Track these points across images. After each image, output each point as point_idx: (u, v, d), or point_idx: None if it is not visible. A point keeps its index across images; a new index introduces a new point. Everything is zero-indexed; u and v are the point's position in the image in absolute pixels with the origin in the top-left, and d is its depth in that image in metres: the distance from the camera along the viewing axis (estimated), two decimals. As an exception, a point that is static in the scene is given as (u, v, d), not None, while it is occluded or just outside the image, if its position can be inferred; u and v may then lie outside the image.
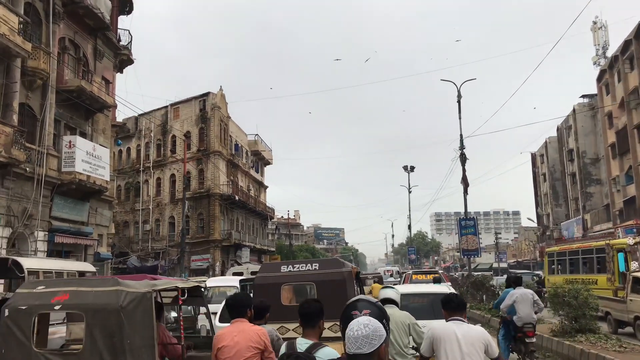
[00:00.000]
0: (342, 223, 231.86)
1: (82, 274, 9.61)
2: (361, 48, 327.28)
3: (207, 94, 46.98)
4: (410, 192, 49.71)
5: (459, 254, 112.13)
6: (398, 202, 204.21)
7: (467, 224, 23.07)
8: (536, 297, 9.34)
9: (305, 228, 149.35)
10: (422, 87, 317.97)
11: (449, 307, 4.47)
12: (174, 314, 9.40)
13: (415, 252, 63.00)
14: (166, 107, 49.47)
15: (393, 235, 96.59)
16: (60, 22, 21.67)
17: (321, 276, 7.25)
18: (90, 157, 22.04)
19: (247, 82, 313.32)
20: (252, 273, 18.25)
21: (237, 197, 46.60)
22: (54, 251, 21.74)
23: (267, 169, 64.60)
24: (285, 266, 7.82)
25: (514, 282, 9.90)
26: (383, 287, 6.18)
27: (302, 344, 3.29)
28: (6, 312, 4.78)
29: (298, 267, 7.72)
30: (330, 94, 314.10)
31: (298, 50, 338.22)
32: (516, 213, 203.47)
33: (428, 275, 19.87)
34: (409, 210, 50.70)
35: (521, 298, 9.16)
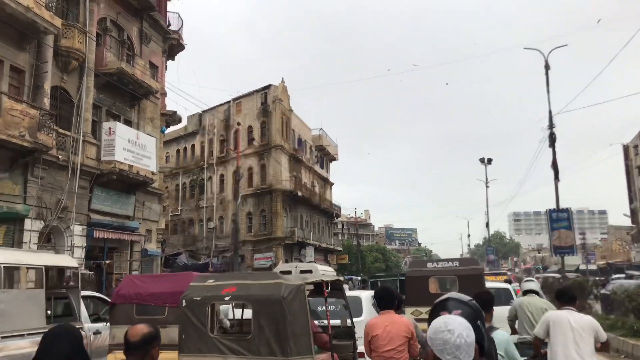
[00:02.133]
0: (415, 223, 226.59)
1: (61, 271, 7.46)
2: (426, 39, 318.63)
3: (268, 87, 45.22)
4: (487, 186, 45.50)
5: (540, 254, 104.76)
6: (474, 200, 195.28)
7: (559, 216, 19.37)
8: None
9: (376, 228, 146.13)
10: (497, 74, 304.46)
11: (563, 299, 5.44)
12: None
13: (494, 252, 58.35)
14: (228, 102, 48.27)
15: (469, 235, 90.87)
16: (99, 0, 20.20)
17: (462, 271, 8.77)
18: (132, 146, 20.42)
19: (311, 80, 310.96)
20: (302, 272, 15.90)
21: (300, 193, 44.46)
22: (96, 247, 20.34)
23: (332, 165, 62.23)
24: (431, 263, 9.78)
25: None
26: (526, 280, 7.69)
27: None
28: (183, 303, 5.40)
29: (442, 264, 9.43)
30: (397, 90, 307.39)
31: (362, 46, 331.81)
32: (602, 212, 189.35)
33: (497, 277, 20.14)
34: (487, 207, 46.50)
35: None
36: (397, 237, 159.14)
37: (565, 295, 5.45)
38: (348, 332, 7.09)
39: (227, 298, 5.56)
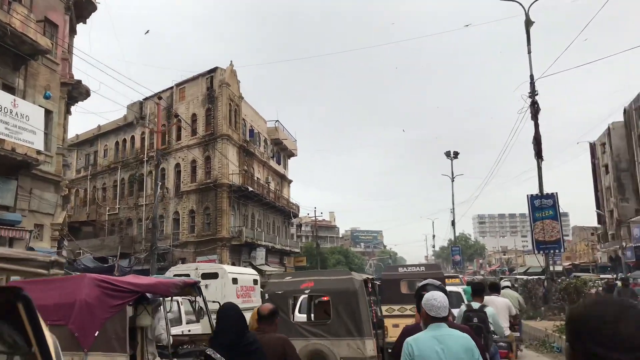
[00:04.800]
0: (381, 225, 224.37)
1: None
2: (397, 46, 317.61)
3: (214, 70, 40.80)
4: (453, 180, 42.10)
5: (505, 256, 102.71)
6: (439, 201, 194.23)
7: (542, 203, 15.54)
8: None
9: (343, 231, 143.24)
10: (467, 66, 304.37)
11: (492, 289, 8.54)
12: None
13: (460, 253, 55.19)
14: (171, 88, 43.65)
15: (434, 236, 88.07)
16: None
17: (427, 275, 9.82)
18: (5, 115, 15.84)
19: (272, 83, 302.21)
20: (203, 275, 11.86)
21: (250, 189, 40.08)
22: (-44, 245, 15.63)
23: (291, 162, 58.07)
24: (402, 268, 12.07)
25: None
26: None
27: (475, 305, 6.43)
28: (266, 296, 6.68)
29: (410, 269, 11.65)
30: (360, 96, 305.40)
31: (325, 49, 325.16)
32: (565, 215, 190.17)
33: (450, 279, 20.23)
34: (452, 203, 43.08)
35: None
36: (362, 240, 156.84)
37: (494, 286, 8.71)
38: (379, 323, 7.96)
39: (307, 291, 7.04)
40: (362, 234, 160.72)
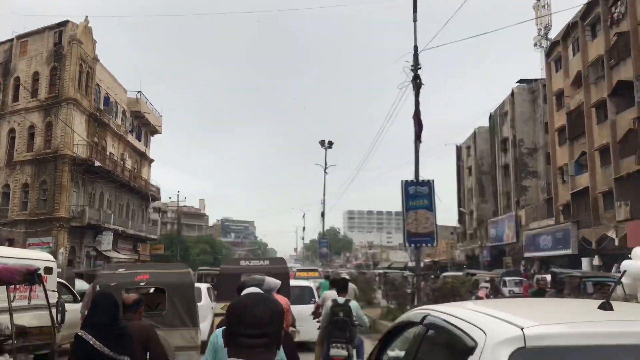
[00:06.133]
0: (254, 215, 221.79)
1: None
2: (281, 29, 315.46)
3: (64, 23, 35.10)
4: (326, 171, 40.53)
5: (371, 251, 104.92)
6: (312, 193, 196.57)
7: (417, 191, 13.57)
8: None
9: (215, 220, 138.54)
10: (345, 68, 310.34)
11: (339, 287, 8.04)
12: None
13: (328, 246, 54.16)
14: (11, 40, 37.05)
15: (304, 228, 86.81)
16: None
17: (272, 270, 9.65)
18: None
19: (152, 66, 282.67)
20: None
21: (96, 163, 34.96)
22: None
23: (154, 139, 53.03)
24: (244, 261, 11.27)
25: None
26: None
27: (341, 299, 6.98)
28: (97, 287, 6.43)
29: (254, 262, 10.94)
30: (244, 80, 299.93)
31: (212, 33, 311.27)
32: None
33: (309, 272, 22.11)
34: (324, 195, 41.57)
35: None
36: (233, 230, 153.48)
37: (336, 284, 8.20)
38: None
39: (142, 284, 6.99)
40: (233, 224, 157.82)
